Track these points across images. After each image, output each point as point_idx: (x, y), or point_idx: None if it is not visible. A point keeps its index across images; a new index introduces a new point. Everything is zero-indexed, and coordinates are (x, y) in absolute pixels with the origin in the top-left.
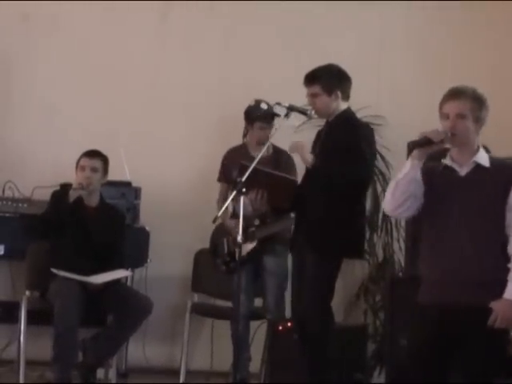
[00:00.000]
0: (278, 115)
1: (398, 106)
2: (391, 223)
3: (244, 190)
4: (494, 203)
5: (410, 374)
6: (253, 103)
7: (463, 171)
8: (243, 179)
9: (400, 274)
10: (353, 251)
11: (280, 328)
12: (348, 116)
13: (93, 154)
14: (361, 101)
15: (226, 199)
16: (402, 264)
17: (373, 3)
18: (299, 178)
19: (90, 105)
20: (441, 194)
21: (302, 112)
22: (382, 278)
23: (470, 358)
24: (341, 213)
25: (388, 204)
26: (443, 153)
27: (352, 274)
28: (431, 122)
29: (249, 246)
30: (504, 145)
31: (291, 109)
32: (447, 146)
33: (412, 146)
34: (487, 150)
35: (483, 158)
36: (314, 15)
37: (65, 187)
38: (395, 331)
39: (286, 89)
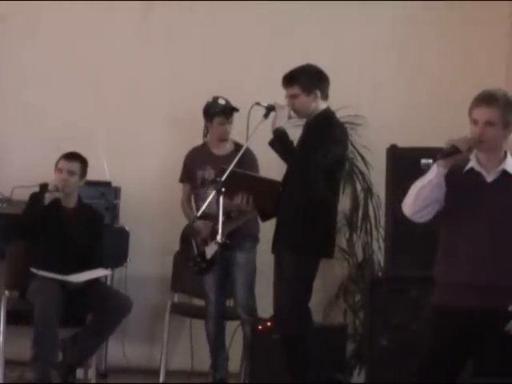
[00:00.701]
0: (236, 110)
1: (378, 106)
2: (371, 223)
3: (223, 190)
4: None
5: (426, 373)
6: (210, 100)
7: (490, 177)
8: (222, 179)
9: (379, 273)
10: (326, 251)
11: (260, 328)
12: (326, 116)
13: (71, 156)
14: (341, 101)
15: (189, 200)
16: (382, 264)
17: (353, 3)
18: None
19: (70, 104)
20: (465, 197)
21: (227, 106)
22: (361, 277)
23: (487, 361)
24: (316, 213)
25: (408, 208)
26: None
27: (331, 273)
28: (411, 122)
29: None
30: None
31: (270, 109)
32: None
33: (440, 156)
34: None
35: (511, 165)
36: (294, 15)
37: (43, 188)
38: (375, 331)
39: (267, 89)
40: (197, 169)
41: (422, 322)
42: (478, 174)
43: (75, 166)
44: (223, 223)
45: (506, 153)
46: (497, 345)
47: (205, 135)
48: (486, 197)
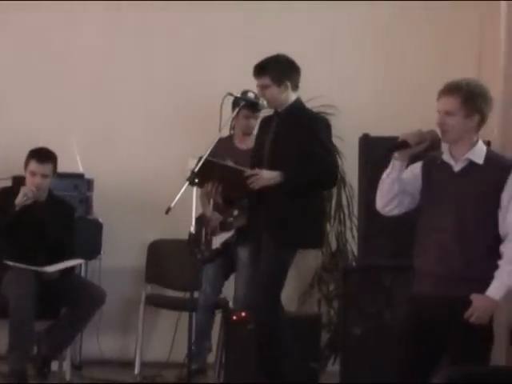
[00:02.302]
0: (264, 107)
1: (350, 96)
2: (344, 212)
3: (196, 180)
4: (484, 201)
5: (403, 362)
6: (237, 95)
7: (457, 167)
8: (195, 170)
9: (353, 263)
10: (312, 242)
11: (234, 318)
12: (301, 107)
13: (44, 159)
14: (313, 90)
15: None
16: (355, 253)
17: None
18: None
19: (41, 97)
20: (435, 188)
21: (254, 103)
22: (335, 267)
23: (453, 350)
24: (301, 206)
25: (378, 202)
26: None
27: (305, 263)
28: (383, 111)
29: (225, 237)
30: None
31: (243, 99)
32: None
33: (387, 150)
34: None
35: (477, 155)
36: (265, 8)
37: (16, 182)
38: (349, 320)
39: (240, 79)
40: (219, 159)
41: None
42: (448, 165)
43: (48, 169)
44: (235, 218)
45: (476, 142)
46: (460, 333)
47: (232, 128)
48: (453, 186)
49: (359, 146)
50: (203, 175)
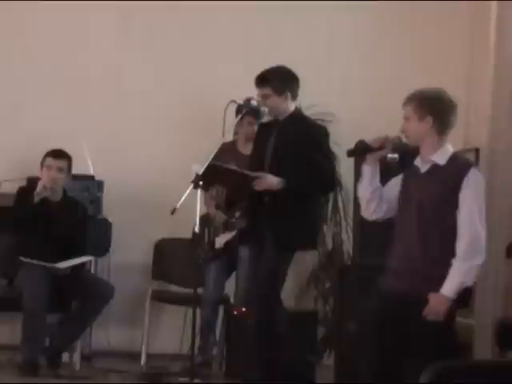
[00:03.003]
0: (265, 114)
1: (346, 104)
2: (340, 215)
3: (201, 183)
4: (443, 200)
5: (365, 354)
6: (243, 102)
7: (423, 168)
8: (200, 173)
9: (348, 262)
10: (311, 244)
11: (236, 313)
12: (301, 116)
13: (58, 154)
14: (312, 99)
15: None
16: (350, 253)
17: (322, 7)
18: None
19: (55, 103)
20: (406, 190)
21: (256, 110)
22: (331, 266)
23: (412, 344)
24: (300, 209)
25: (361, 207)
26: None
27: (303, 262)
28: (377, 118)
29: (227, 236)
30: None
31: (246, 107)
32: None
33: (347, 153)
34: None
35: (441, 156)
36: (265, 18)
37: (32, 183)
38: (344, 316)
39: (241, 88)
40: (222, 162)
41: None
42: (417, 168)
43: (63, 163)
44: (237, 219)
45: (440, 145)
46: (419, 328)
47: (235, 133)
48: (418, 186)
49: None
50: (208, 178)
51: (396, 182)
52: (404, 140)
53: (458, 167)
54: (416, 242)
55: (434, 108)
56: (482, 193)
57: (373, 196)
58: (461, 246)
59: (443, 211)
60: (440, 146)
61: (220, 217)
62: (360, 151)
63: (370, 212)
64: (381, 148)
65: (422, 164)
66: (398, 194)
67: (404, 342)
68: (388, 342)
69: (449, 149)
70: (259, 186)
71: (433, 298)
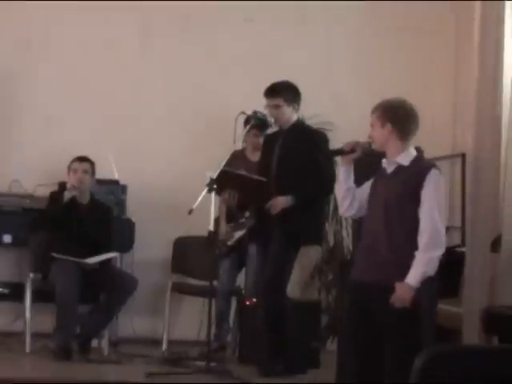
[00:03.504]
0: (270, 126)
1: (344, 114)
2: (340, 214)
3: (215, 186)
4: (407, 198)
5: (347, 341)
6: (250, 114)
7: (389, 169)
8: (214, 177)
9: (348, 256)
10: (315, 240)
11: (247, 303)
12: (303, 125)
13: (82, 158)
14: (313, 109)
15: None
16: (350, 248)
17: (320, 24)
18: None
19: (83, 115)
20: (374, 189)
21: (263, 120)
22: (333, 260)
23: (385, 330)
24: (306, 210)
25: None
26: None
27: (307, 257)
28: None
29: (238, 234)
30: (436, 145)
31: (254, 117)
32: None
33: (330, 154)
34: (418, 150)
35: (404, 158)
36: (270, 36)
37: (61, 186)
38: (345, 305)
39: (249, 100)
40: (233, 168)
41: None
42: (383, 168)
43: (87, 166)
44: (247, 218)
45: (403, 148)
46: (388, 316)
47: (244, 141)
48: (385, 186)
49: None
50: (221, 183)
51: (368, 184)
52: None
53: (420, 167)
54: (382, 237)
55: (395, 116)
56: (441, 191)
57: (347, 194)
58: (422, 239)
59: (407, 207)
60: (403, 150)
61: (227, 230)
62: (335, 153)
63: (344, 209)
64: (352, 151)
65: (388, 165)
66: (366, 195)
67: (376, 330)
68: (363, 330)
69: (412, 152)
70: (275, 209)
71: (399, 286)
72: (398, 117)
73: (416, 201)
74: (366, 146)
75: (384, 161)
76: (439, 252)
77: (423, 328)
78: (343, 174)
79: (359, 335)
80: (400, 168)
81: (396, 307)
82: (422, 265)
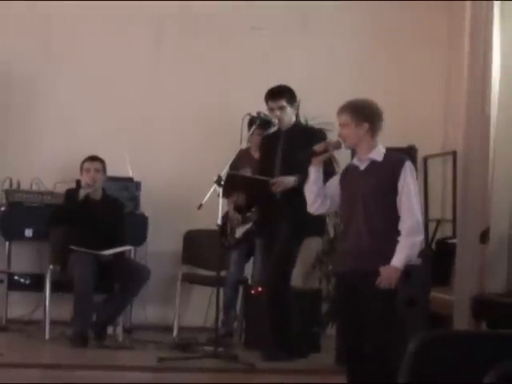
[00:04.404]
0: (273, 125)
1: None
2: None
3: (222, 182)
4: (384, 190)
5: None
6: (254, 115)
7: (362, 166)
8: (222, 174)
9: None
10: (318, 231)
11: (253, 292)
12: (302, 125)
13: (94, 158)
14: (314, 110)
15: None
16: None
17: (323, 32)
18: None
19: (100, 118)
20: (348, 186)
21: (267, 121)
22: (333, 251)
23: (369, 312)
24: None
25: (307, 204)
26: None
27: (309, 248)
28: None
29: (246, 227)
30: (429, 143)
31: (259, 118)
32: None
33: (307, 157)
34: (413, 149)
35: (377, 154)
36: (275, 42)
37: (78, 184)
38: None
39: (254, 102)
40: (239, 167)
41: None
42: (355, 166)
43: (98, 165)
44: (253, 212)
45: (375, 145)
46: (373, 298)
47: (249, 141)
48: (360, 181)
49: (351, 154)
50: (228, 186)
51: (335, 181)
52: (343, 145)
53: (394, 161)
54: (363, 230)
55: (370, 115)
56: (415, 181)
57: (319, 193)
58: (405, 226)
59: (385, 199)
60: (375, 147)
61: (236, 217)
62: (310, 155)
63: (315, 207)
64: (325, 151)
65: (360, 163)
66: (337, 192)
67: (360, 314)
68: (352, 311)
69: (381, 148)
70: (278, 187)
71: (385, 269)
72: (372, 116)
73: (393, 191)
74: (337, 146)
75: (355, 159)
76: (420, 237)
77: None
78: (314, 174)
79: (347, 321)
80: (373, 164)
81: (382, 287)
82: (407, 248)
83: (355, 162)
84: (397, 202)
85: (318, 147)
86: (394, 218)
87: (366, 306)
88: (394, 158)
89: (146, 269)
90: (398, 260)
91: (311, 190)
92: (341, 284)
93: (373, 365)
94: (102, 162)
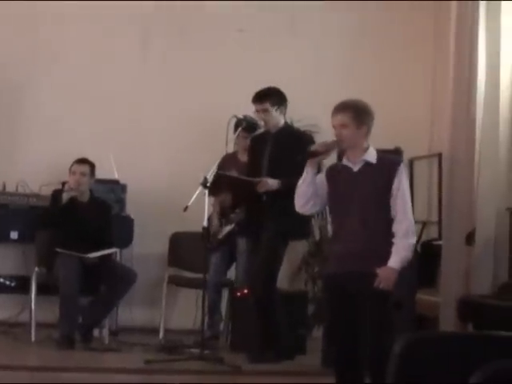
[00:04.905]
0: (259, 128)
1: (329, 117)
2: (325, 210)
3: (208, 184)
4: (379, 192)
5: (331, 328)
6: (240, 117)
7: (356, 168)
8: (208, 176)
9: None
10: (303, 234)
11: (238, 294)
12: (290, 128)
13: (82, 161)
14: (301, 113)
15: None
16: None
17: (310, 35)
18: None
19: (86, 121)
20: (340, 187)
21: (254, 123)
22: (318, 253)
23: (368, 312)
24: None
25: (296, 204)
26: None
27: (295, 250)
28: None
29: (227, 228)
30: (415, 145)
31: (245, 120)
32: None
33: (305, 157)
34: (399, 150)
35: (371, 156)
36: (262, 44)
37: (64, 186)
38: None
39: (240, 105)
40: (225, 170)
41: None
42: (348, 168)
43: (85, 168)
44: (236, 214)
45: (368, 147)
46: (371, 299)
47: (235, 143)
48: (354, 183)
49: (337, 156)
50: (215, 186)
51: (321, 180)
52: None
53: (388, 163)
54: (358, 231)
55: (368, 117)
56: (408, 183)
57: (313, 193)
58: (402, 228)
59: (380, 201)
60: (367, 148)
61: (217, 224)
62: (310, 155)
63: (308, 207)
64: (326, 152)
65: (353, 164)
66: (325, 191)
67: (352, 316)
68: (341, 318)
69: (373, 150)
70: (262, 188)
71: (383, 270)
72: (369, 118)
73: (387, 194)
74: (336, 146)
75: (346, 160)
76: (414, 239)
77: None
78: (310, 175)
79: (338, 323)
80: (367, 165)
81: (380, 288)
82: (403, 250)
83: (345, 162)
84: (391, 203)
85: (319, 147)
86: (388, 219)
87: (361, 307)
88: (388, 160)
89: (132, 272)
90: (395, 261)
91: (305, 191)
92: (331, 285)
93: (380, 366)
94: (90, 165)
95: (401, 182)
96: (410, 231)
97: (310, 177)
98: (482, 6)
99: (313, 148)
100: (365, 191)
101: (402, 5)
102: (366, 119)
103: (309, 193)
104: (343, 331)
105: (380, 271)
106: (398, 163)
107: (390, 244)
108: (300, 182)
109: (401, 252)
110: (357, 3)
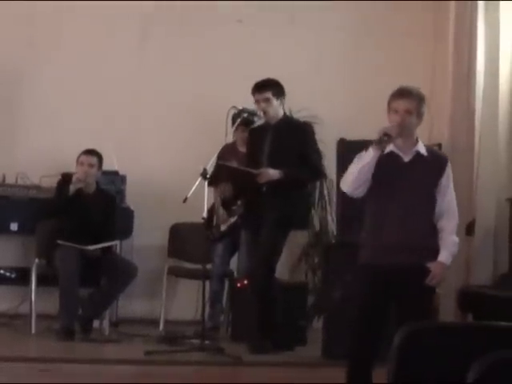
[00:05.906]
0: (255, 121)
1: (329, 108)
2: (325, 201)
3: (208, 175)
4: (429, 185)
5: (360, 321)
6: (237, 111)
7: (407, 158)
8: (207, 167)
9: (333, 240)
10: (303, 224)
11: (238, 285)
12: (290, 119)
13: (90, 152)
14: (300, 104)
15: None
16: (335, 233)
17: (310, 26)
18: None
19: (85, 112)
20: (387, 175)
21: (254, 114)
22: (318, 244)
23: (408, 306)
24: (294, 196)
25: (349, 186)
26: None
27: (295, 241)
28: (356, 120)
29: (231, 220)
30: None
31: (244, 111)
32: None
33: (376, 143)
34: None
35: (422, 148)
36: (261, 35)
37: (66, 177)
38: (329, 286)
39: (240, 96)
40: (225, 160)
41: (355, 278)
42: (397, 156)
43: (94, 160)
44: (238, 206)
45: (417, 138)
46: (415, 293)
47: (234, 135)
48: (405, 174)
49: (337, 147)
50: (216, 176)
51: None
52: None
53: (438, 157)
54: (406, 220)
55: (425, 110)
56: None
57: (369, 178)
58: (451, 224)
59: (430, 194)
60: (418, 139)
61: (222, 214)
62: (382, 142)
63: (361, 190)
64: (397, 135)
65: (404, 154)
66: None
67: (387, 309)
68: (378, 311)
69: (421, 142)
70: (262, 178)
71: (435, 266)
72: (424, 109)
73: (435, 188)
74: (398, 131)
75: (395, 149)
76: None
77: None
78: (375, 159)
79: (370, 316)
80: (419, 156)
81: (432, 284)
82: (453, 246)
83: (396, 151)
84: (437, 198)
85: (391, 131)
86: (431, 213)
87: (407, 300)
88: (438, 154)
89: (133, 266)
90: (446, 257)
91: (366, 175)
92: (371, 277)
93: None
94: (98, 156)
95: (449, 178)
96: (457, 228)
97: (373, 161)
98: (481, 5)
99: (387, 131)
100: (414, 182)
101: (402, 4)
102: (424, 111)
103: (368, 176)
104: (371, 325)
105: (433, 267)
106: (447, 159)
107: (434, 238)
108: (361, 164)
109: (451, 248)
110: (356, 2)
